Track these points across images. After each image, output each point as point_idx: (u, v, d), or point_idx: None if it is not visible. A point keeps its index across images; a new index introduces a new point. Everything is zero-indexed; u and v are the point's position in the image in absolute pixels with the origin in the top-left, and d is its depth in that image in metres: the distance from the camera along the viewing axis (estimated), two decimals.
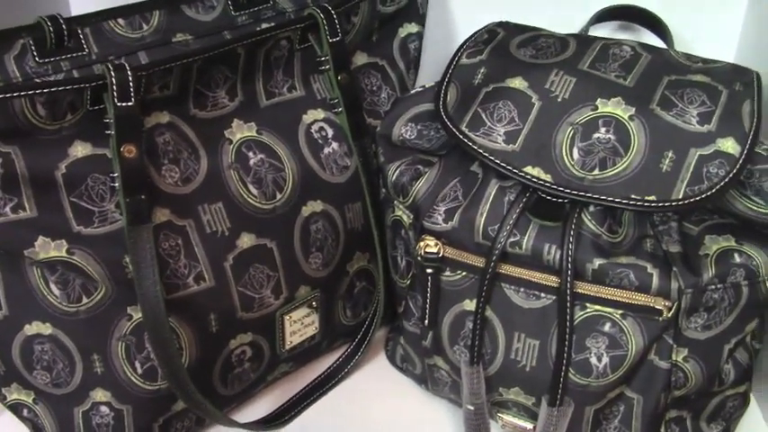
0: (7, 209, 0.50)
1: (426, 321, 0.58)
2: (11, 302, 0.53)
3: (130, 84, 0.50)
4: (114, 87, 0.50)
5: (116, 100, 0.50)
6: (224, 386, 0.61)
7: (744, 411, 0.61)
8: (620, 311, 0.53)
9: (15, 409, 0.57)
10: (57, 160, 0.51)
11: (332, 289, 0.65)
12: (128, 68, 0.50)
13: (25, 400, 0.57)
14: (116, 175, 0.51)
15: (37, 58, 0.54)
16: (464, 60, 0.60)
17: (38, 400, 0.56)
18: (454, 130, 0.56)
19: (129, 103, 0.50)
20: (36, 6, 0.72)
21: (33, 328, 0.53)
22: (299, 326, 0.63)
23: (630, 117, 0.53)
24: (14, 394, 0.56)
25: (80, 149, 0.51)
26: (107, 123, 0.51)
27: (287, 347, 0.64)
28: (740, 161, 0.51)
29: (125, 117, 0.50)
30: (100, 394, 0.56)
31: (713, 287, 0.51)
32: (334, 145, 0.63)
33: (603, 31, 0.77)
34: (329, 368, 0.69)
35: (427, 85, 0.63)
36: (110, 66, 0.50)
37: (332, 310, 0.67)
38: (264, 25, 0.64)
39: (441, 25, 0.79)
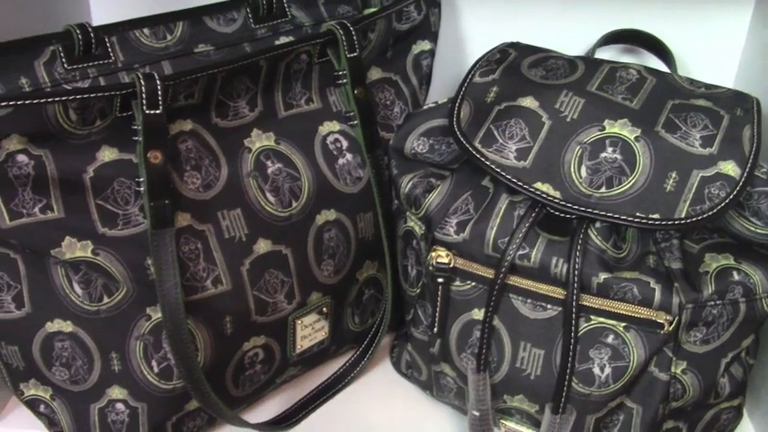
0: (36, 209, 0.51)
1: (435, 329, 0.59)
2: (34, 300, 0.54)
3: (159, 92, 0.51)
4: (143, 95, 0.51)
5: (145, 107, 0.51)
6: (235, 387, 0.62)
7: (737, 424, 0.63)
8: (623, 324, 0.54)
9: (32, 404, 0.58)
10: (85, 164, 0.52)
11: (342, 296, 0.67)
12: (156, 78, 0.51)
13: (42, 395, 0.58)
14: (142, 179, 0.52)
15: (65, 65, 0.56)
16: (477, 79, 0.62)
17: (55, 396, 0.57)
18: (467, 145, 0.58)
19: (157, 111, 0.52)
20: (59, 16, 0.74)
21: (55, 325, 0.54)
22: (310, 330, 0.65)
23: (636, 138, 0.55)
24: (32, 390, 0.57)
25: (107, 154, 0.53)
26: (135, 130, 0.52)
27: (297, 351, 0.65)
28: (740, 183, 0.53)
29: (152, 124, 0.52)
30: (116, 392, 0.57)
31: (712, 303, 0.53)
32: (349, 156, 0.64)
33: (609, 53, 0.79)
34: (335, 373, 0.70)
35: (439, 101, 0.64)
36: (139, 75, 0.51)
37: (341, 316, 0.68)
38: (283, 38, 0.66)
39: (452, 43, 0.80)
